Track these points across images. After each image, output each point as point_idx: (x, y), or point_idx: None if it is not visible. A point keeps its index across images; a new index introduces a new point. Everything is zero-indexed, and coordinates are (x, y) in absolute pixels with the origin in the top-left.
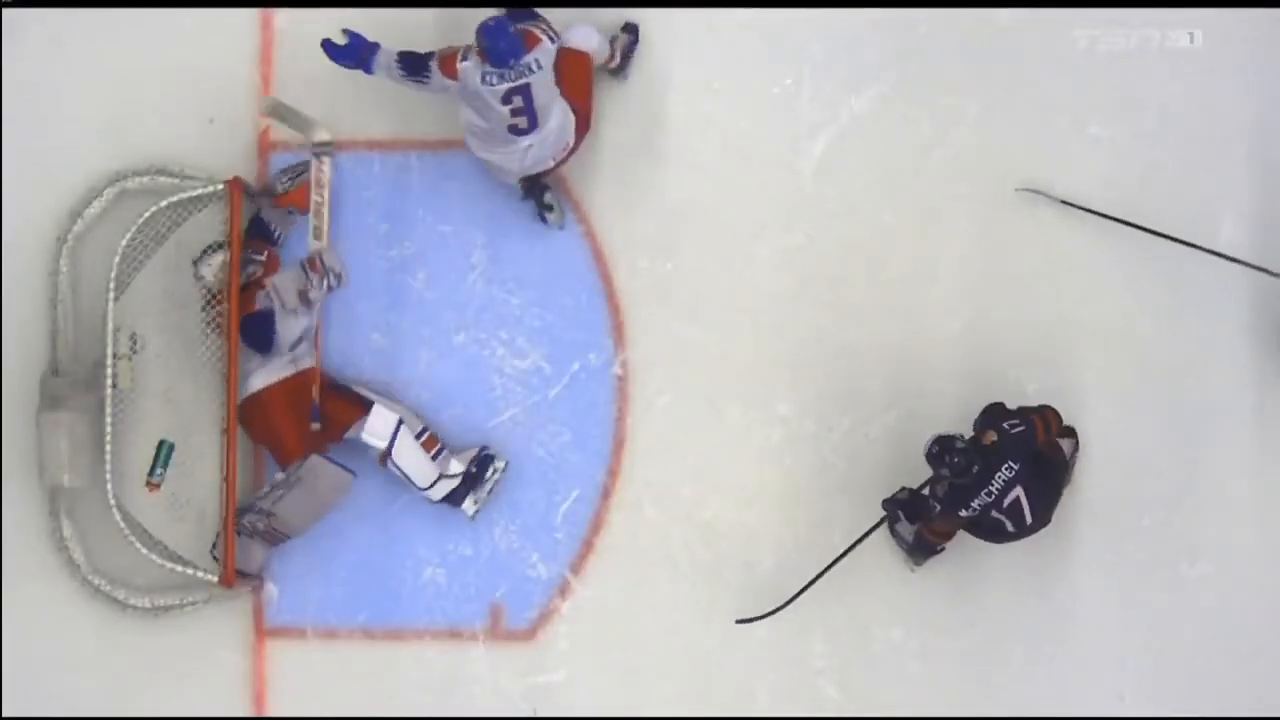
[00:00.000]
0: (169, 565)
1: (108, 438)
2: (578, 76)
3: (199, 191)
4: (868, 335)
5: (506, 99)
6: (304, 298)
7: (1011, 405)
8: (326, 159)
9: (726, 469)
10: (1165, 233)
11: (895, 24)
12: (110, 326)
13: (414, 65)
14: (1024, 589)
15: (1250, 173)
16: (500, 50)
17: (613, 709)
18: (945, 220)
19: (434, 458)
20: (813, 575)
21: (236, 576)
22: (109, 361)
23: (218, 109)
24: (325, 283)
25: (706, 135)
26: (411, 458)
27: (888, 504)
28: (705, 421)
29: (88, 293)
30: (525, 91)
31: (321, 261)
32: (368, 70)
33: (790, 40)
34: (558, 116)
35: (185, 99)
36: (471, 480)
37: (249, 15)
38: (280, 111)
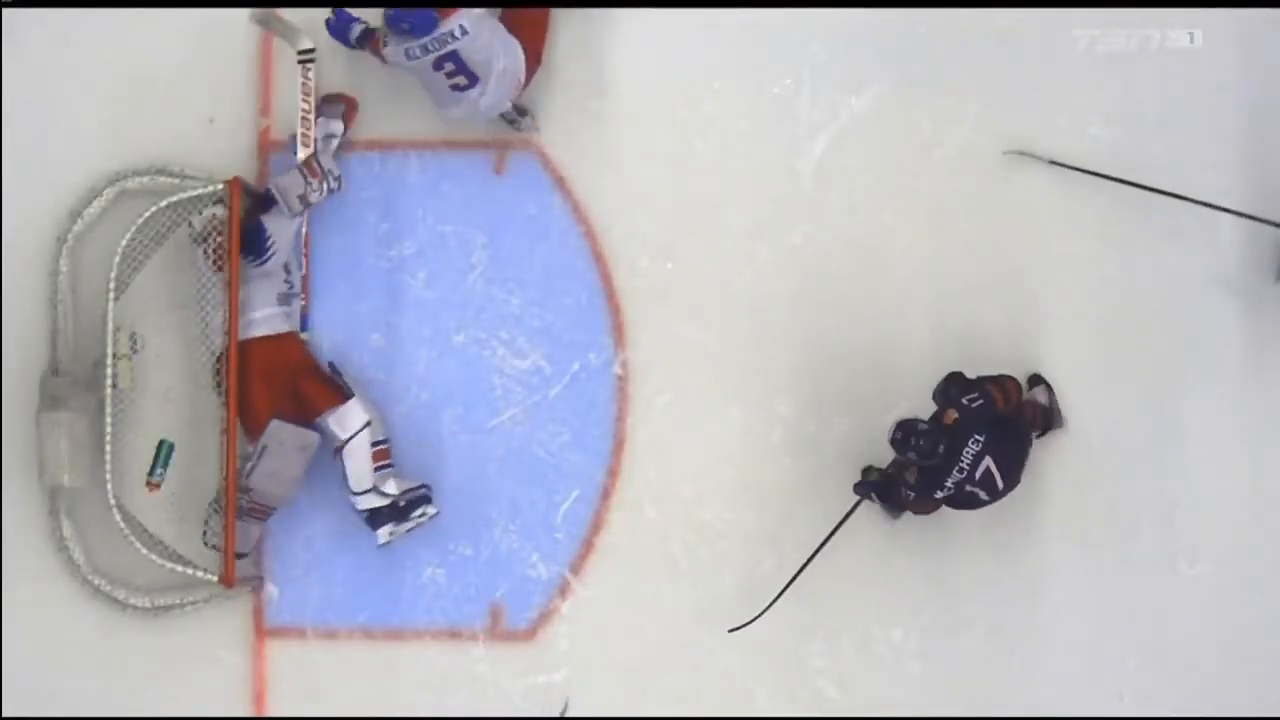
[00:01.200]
0: (169, 565)
1: (108, 438)
2: (527, 16)
3: (199, 191)
4: (868, 335)
5: (438, 66)
6: (304, 201)
7: (971, 375)
8: (310, 66)
9: (726, 469)
10: (1163, 189)
11: (895, 24)
12: (110, 326)
13: (360, 43)
14: (1024, 589)
15: (1250, 172)
16: (410, 30)
17: (613, 709)
18: (945, 220)
19: (377, 469)
20: (800, 569)
21: (237, 561)
22: (109, 361)
23: (218, 109)
24: (325, 185)
25: (706, 135)
26: (358, 459)
27: (859, 487)
28: (705, 421)
29: (88, 293)
30: (454, 57)
31: (319, 164)
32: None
33: (790, 40)
34: (503, 60)
35: (185, 99)
36: (397, 512)
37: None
38: (268, 21)
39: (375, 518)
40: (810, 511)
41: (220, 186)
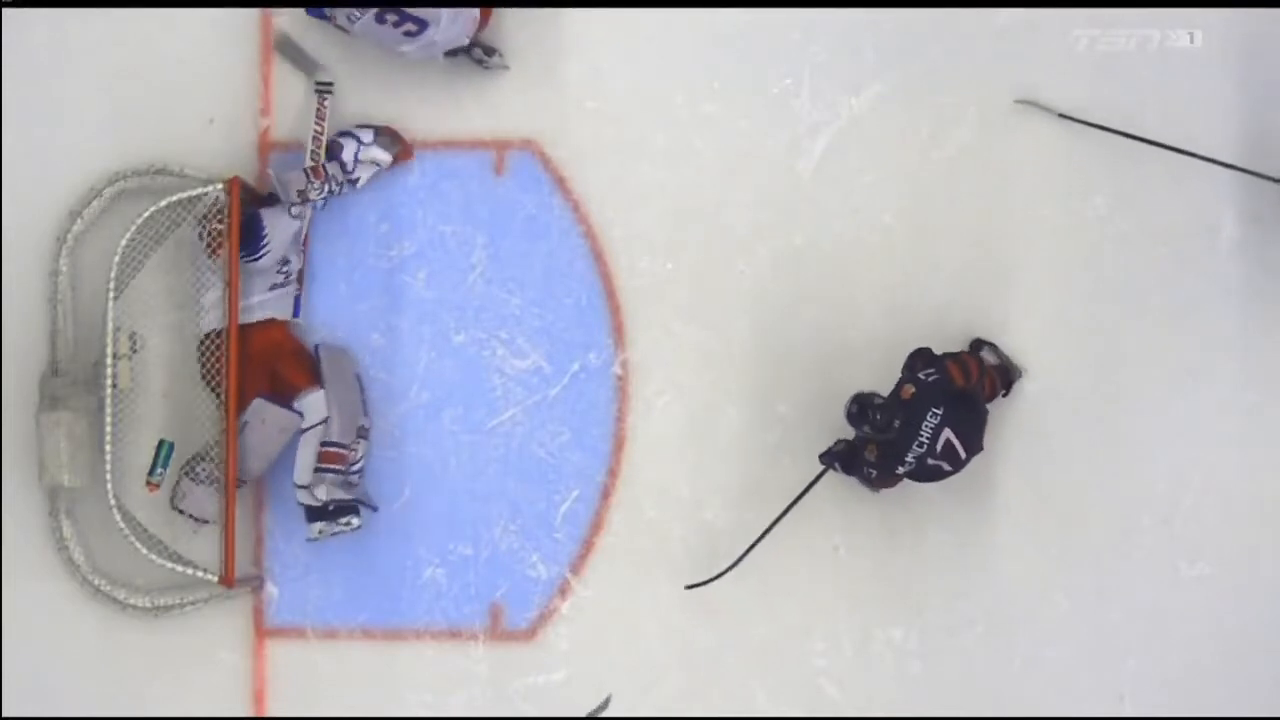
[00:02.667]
0: (169, 565)
1: (108, 438)
2: None
3: (199, 191)
4: (868, 335)
5: (379, 20)
6: (303, 195)
7: (938, 351)
8: (328, 97)
9: (726, 469)
10: (1171, 145)
11: (895, 24)
12: (110, 326)
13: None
14: (1023, 589)
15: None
16: None
17: (613, 709)
18: (945, 220)
19: (318, 470)
20: (762, 534)
21: (200, 525)
22: (109, 361)
23: (218, 109)
24: (327, 186)
25: (706, 135)
26: (307, 451)
27: (825, 458)
28: (705, 421)
29: (88, 293)
30: (392, 10)
31: (325, 168)
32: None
33: (790, 40)
34: None
35: (185, 99)
36: (326, 514)
37: (249, 15)
38: (288, 50)
39: (309, 512)
40: (810, 511)
41: (220, 186)
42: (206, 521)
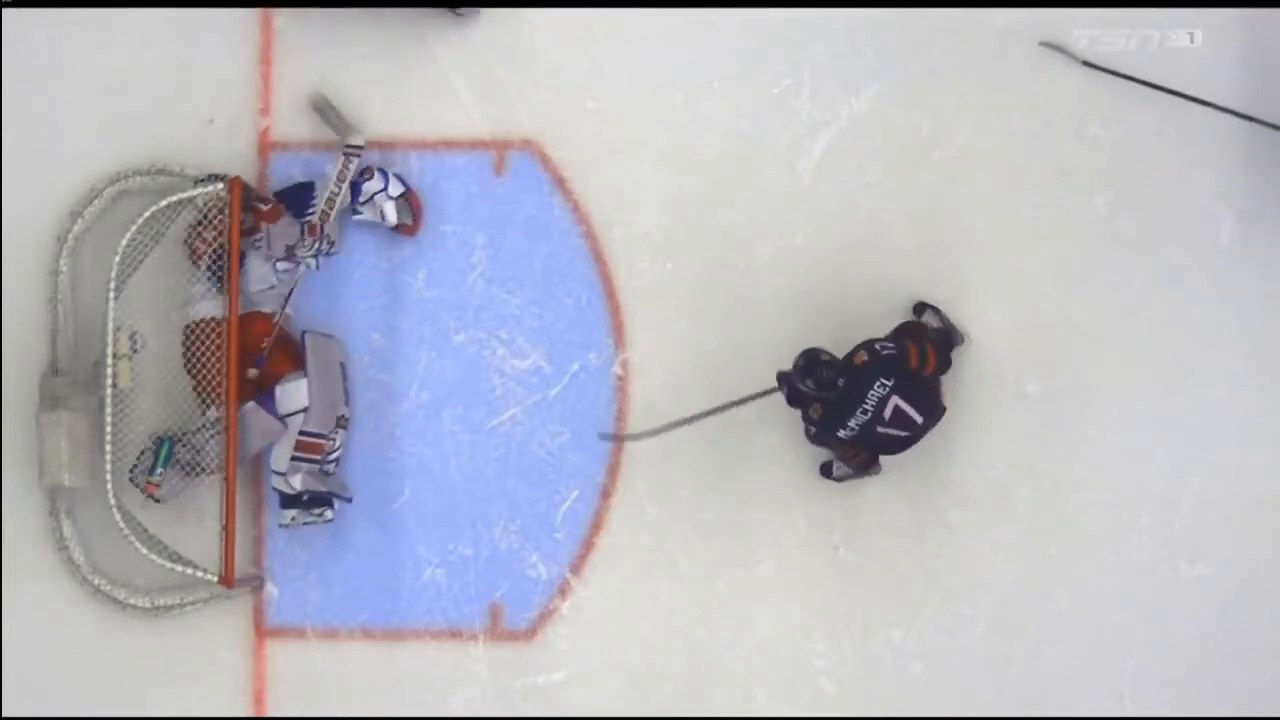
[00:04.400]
0: (169, 565)
1: (108, 438)
2: None
3: (199, 191)
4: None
5: None
6: (290, 252)
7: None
8: (354, 160)
9: (726, 469)
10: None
11: (895, 24)
12: (110, 326)
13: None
14: (1023, 589)
15: (1250, 173)
16: None
17: (613, 709)
18: (945, 220)
19: (294, 459)
20: (699, 415)
21: (156, 502)
22: (109, 361)
23: (218, 109)
24: (318, 245)
25: (706, 135)
26: (283, 443)
27: (783, 375)
28: (705, 421)
29: (88, 293)
30: None
31: (322, 228)
32: None
33: (790, 40)
34: None
35: (185, 99)
36: (301, 503)
37: (249, 15)
38: (325, 110)
39: (283, 499)
40: (810, 511)
41: (220, 187)
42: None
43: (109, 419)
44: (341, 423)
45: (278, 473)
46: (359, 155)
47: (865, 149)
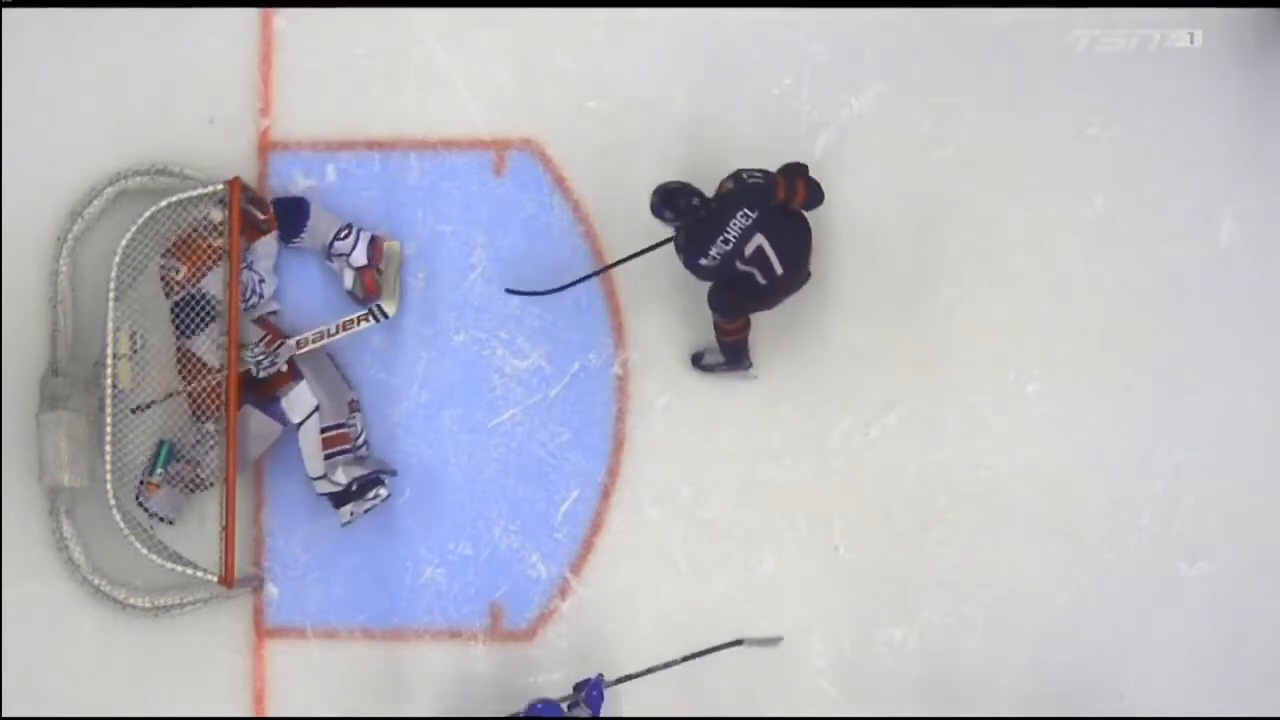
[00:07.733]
0: (169, 565)
1: (108, 438)
2: None
3: (199, 191)
4: (869, 335)
5: None
6: (254, 358)
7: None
8: (371, 322)
9: (726, 469)
10: None
11: (895, 24)
12: (110, 326)
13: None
14: (1023, 589)
15: (1250, 173)
16: None
17: (613, 709)
18: (945, 220)
19: (328, 456)
20: (600, 269)
21: (163, 524)
22: (109, 361)
23: (218, 109)
24: (272, 361)
25: (706, 135)
26: (309, 444)
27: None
28: (705, 421)
29: (88, 293)
30: None
31: (282, 351)
32: None
33: (790, 40)
34: None
35: (185, 99)
36: (351, 495)
37: (249, 15)
38: (392, 259)
39: (334, 499)
40: (810, 511)
41: (220, 186)
42: (171, 521)
43: (109, 419)
44: (354, 407)
45: (317, 478)
46: (379, 321)
47: (865, 149)
